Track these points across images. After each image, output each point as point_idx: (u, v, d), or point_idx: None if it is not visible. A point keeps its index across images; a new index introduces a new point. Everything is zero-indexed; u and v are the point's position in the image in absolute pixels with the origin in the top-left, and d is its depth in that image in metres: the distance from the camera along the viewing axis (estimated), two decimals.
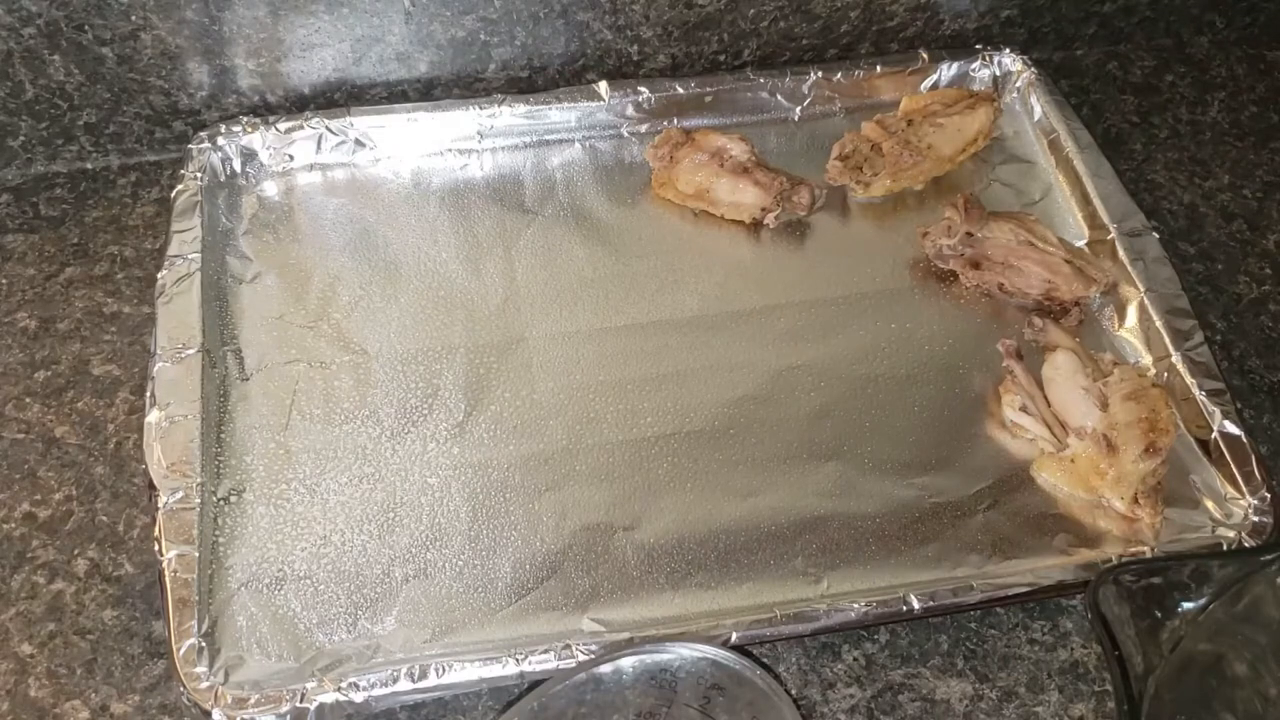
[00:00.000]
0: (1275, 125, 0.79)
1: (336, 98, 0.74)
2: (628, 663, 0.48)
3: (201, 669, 0.50)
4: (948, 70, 0.77)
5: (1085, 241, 0.69)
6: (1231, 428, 0.60)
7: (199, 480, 0.56)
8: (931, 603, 0.54)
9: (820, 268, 0.69)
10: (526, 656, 0.51)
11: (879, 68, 0.76)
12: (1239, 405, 0.61)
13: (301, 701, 0.50)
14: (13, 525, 0.58)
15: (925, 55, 0.76)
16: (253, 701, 0.50)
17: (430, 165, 0.72)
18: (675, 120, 0.74)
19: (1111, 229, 0.68)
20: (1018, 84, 0.77)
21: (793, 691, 0.54)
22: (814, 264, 0.69)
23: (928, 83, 0.77)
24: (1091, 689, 0.55)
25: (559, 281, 0.67)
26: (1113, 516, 0.59)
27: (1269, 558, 0.50)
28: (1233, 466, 0.59)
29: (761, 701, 0.47)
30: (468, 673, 0.51)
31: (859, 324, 0.66)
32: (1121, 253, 0.67)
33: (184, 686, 0.50)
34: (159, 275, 0.63)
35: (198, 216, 0.65)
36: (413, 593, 0.55)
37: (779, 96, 0.75)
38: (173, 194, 0.67)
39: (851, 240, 0.70)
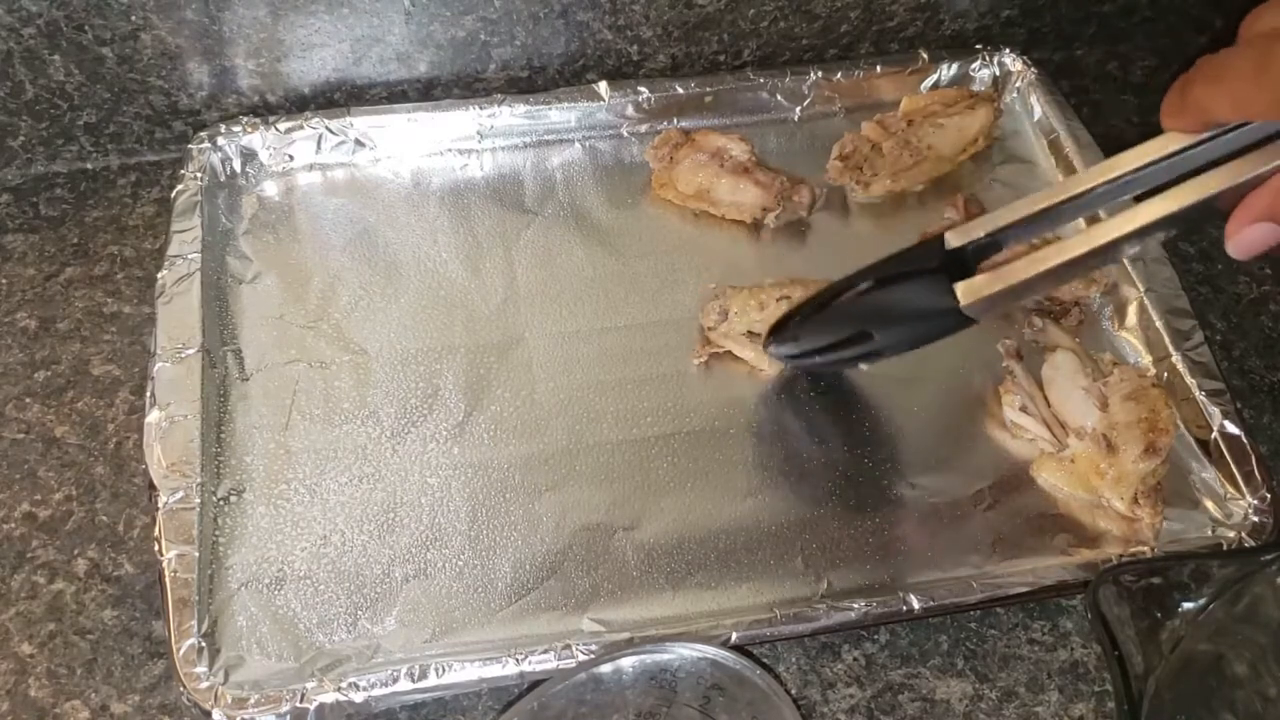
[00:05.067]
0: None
1: (336, 98, 0.74)
2: (628, 663, 0.49)
3: (201, 669, 0.50)
4: (948, 70, 0.77)
5: None
6: (1231, 428, 0.60)
7: (199, 480, 0.56)
8: (931, 603, 0.54)
9: (820, 268, 0.68)
10: (526, 656, 0.51)
11: (879, 68, 0.76)
12: (1239, 405, 0.61)
13: (301, 701, 0.50)
14: (13, 525, 0.58)
15: (925, 55, 0.76)
16: (253, 701, 0.50)
17: (430, 165, 0.72)
18: (675, 120, 0.74)
19: None
20: (1018, 84, 0.77)
21: (793, 691, 0.54)
22: (814, 264, 0.68)
23: (928, 83, 0.77)
24: (1091, 689, 0.55)
25: (559, 281, 0.67)
26: (1113, 516, 0.59)
27: (1269, 558, 0.50)
28: (1233, 466, 0.59)
29: (761, 701, 0.47)
30: (468, 673, 0.51)
31: None
32: None
33: (184, 686, 0.50)
34: (159, 275, 0.63)
35: (198, 216, 0.65)
36: (413, 593, 0.55)
37: (779, 96, 0.75)
38: (173, 194, 0.67)
39: (851, 240, 0.70)
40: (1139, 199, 0.49)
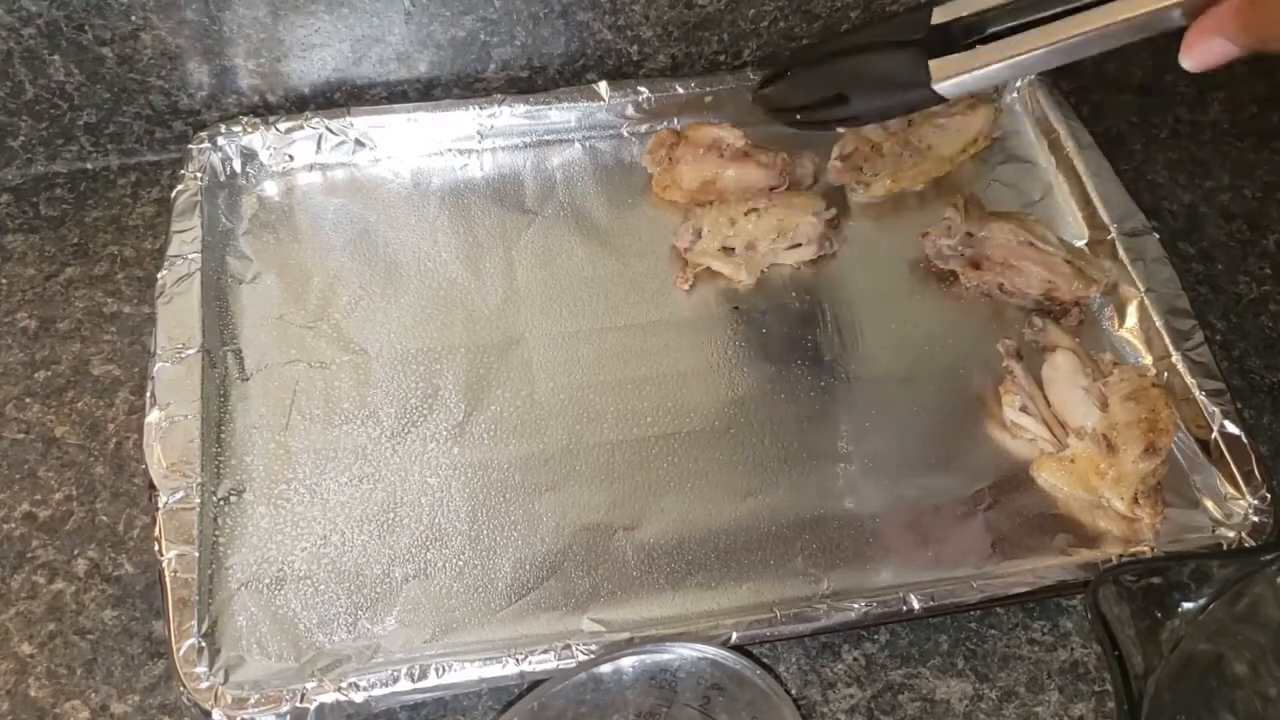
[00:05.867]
0: (1275, 125, 0.79)
1: (336, 98, 0.74)
2: (628, 663, 0.49)
3: (201, 669, 0.50)
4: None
5: (1085, 241, 0.69)
6: (1231, 428, 0.60)
7: (199, 480, 0.56)
8: (931, 603, 0.54)
9: (820, 268, 0.69)
10: (526, 656, 0.51)
11: None
12: (1239, 405, 0.61)
13: (301, 701, 0.50)
14: (13, 525, 0.58)
15: None
16: (253, 701, 0.50)
17: (430, 165, 0.72)
18: (675, 120, 0.74)
19: (1111, 229, 0.68)
20: (1018, 84, 0.77)
21: (793, 691, 0.54)
22: (814, 264, 0.69)
23: None
24: (1091, 689, 0.55)
25: (559, 281, 0.67)
26: (1113, 516, 0.59)
27: (1269, 558, 0.50)
28: (1233, 466, 0.59)
29: (761, 701, 0.47)
30: (468, 673, 0.51)
31: (859, 324, 0.66)
32: (1121, 253, 0.67)
33: (184, 686, 0.50)
34: (159, 275, 0.63)
35: (198, 216, 0.65)
36: (413, 593, 0.55)
37: None
38: (173, 194, 0.67)
39: (851, 240, 0.70)
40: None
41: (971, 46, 0.55)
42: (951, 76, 0.55)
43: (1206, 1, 0.48)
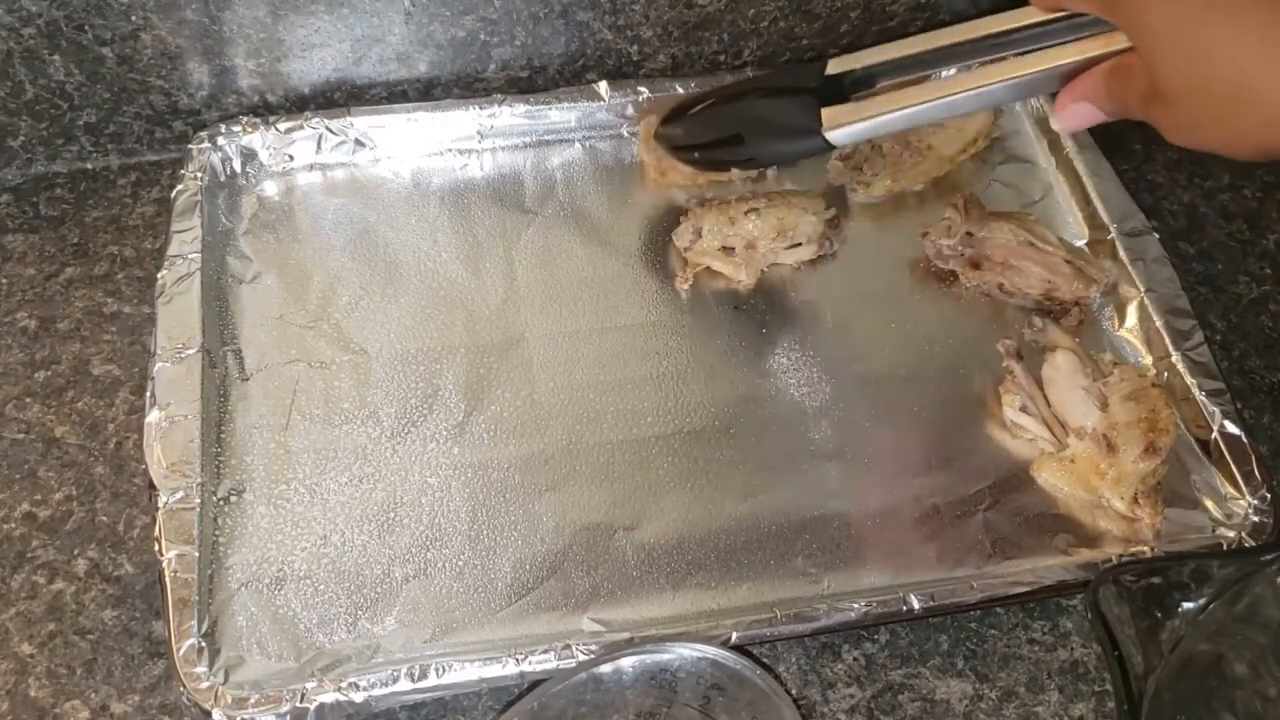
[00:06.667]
0: None
1: (336, 98, 0.74)
2: (628, 663, 0.49)
3: (201, 669, 0.50)
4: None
5: (1085, 241, 0.69)
6: (1231, 428, 0.60)
7: (199, 480, 0.56)
8: (931, 603, 0.54)
9: (820, 269, 0.69)
10: (526, 656, 0.51)
11: None
12: (1239, 405, 0.61)
13: (301, 701, 0.50)
14: (13, 525, 0.58)
15: None
16: (253, 701, 0.50)
17: (430, 165, 0.72)
18: None
19: (1111, 229, 0.68)
20: None
21: (793, 691, 0.54)
22: (814, 264, 0.69)
23: None
24: (1091, 689, 0.55)
25: (559, 281, 0.67)
26: (1113, 516, 0.59)
27: (1269, 558, 0.50)
28: (1233, 466, 0.59)
29: (761, 701, 0.47)
30: (468, 673, 0.51)
31: (859, 324, 0.66)
32: (1121, 253, 0.67)
33: (184, 686, 0.50)
34: (159, 275, 0.63)
35: (198, 216, 0.65)
36: (413, 593, 0.55)
37: None
38: (173, 194, 0.67)
39: (851, 240, 0.70)
40: (998, 61, 0.55)
41: (860, 98, 0.58)
42: (841, 125, 0.57)
43: (1077, 69, 0.50)
